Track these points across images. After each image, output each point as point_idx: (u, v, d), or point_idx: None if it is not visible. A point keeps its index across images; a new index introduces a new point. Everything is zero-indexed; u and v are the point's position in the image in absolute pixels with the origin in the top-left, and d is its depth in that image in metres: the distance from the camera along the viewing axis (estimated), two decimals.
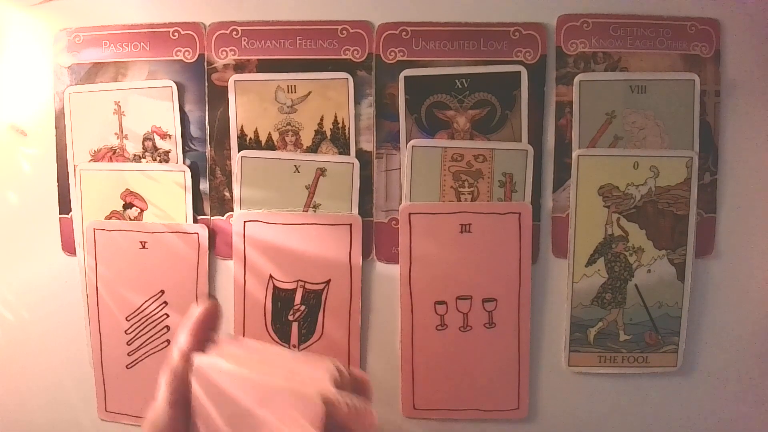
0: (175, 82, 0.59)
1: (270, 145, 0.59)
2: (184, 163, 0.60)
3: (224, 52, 0.59)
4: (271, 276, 0.59)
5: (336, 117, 0.59)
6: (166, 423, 0.38)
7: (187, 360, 0.39)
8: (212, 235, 0.60)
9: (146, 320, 0.61)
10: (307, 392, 0.37)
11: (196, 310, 0.41)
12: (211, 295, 0.60)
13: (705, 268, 0.59)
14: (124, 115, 0.60)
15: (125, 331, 0.61)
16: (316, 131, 0.59)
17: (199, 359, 0.39)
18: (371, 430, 0.38)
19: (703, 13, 0.57)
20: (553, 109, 0.58)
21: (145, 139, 0.60)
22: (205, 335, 0.41)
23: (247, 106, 0.59)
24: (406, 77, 0.58)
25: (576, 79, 0.57)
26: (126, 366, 0.61)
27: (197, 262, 0.60)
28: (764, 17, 0.57)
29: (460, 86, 0.58)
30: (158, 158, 0.60)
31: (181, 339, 0.40)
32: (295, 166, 0.59)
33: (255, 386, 0.38)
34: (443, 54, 0.58)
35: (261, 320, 0.60)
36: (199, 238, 0.60)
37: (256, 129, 0.59)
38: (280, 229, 0.59)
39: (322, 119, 0.59)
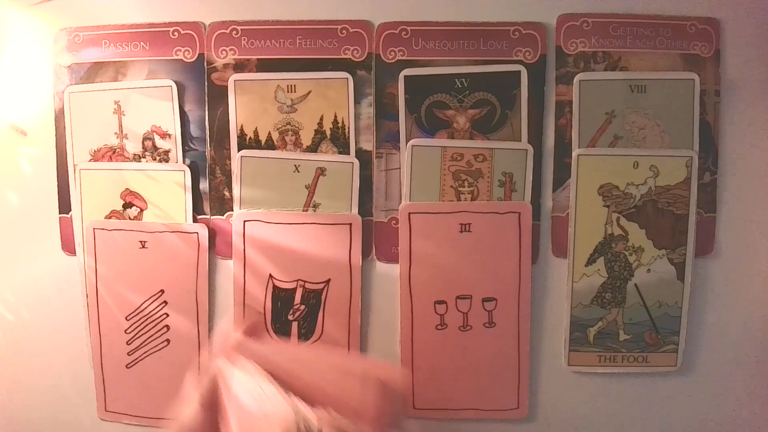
0: (175, 82, 0.59)
1: (270, 145, 0.59)
2: (183, 162, 0.60)
3: (224, 52, 0.59)
4: (270, 275, 0.59)
5: (336, 117, 0.59)
6: (199, 424, 0.42)
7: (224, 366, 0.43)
8: (212, 234, 0.60)
9: (146, 320, 0.60)
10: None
11: (245, 324, 0.46)
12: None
13: (705, 268, 0.59)
14: (123, 115, 0.60)
15: (125, 331, 0.61)
16: (315, 131, 0.59)
17: (224, 365, 0.43)
18: None
19: (703, 13, 0.57)
20: (553, 109, 0.58)
21: (145, 139, 0.60)
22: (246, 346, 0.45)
23: (247, 105, 0.59)
24: (405, 77, 0.58)
25: (576, 79, 0.57)
26: (126, 365, 0.61)
27: (197, 262, 0.60)
28: (764, 17, 0.57)
29: (459, 86, 0.58)
30: (158, 158, 0.60)
31: (225, 347, 0.44)
32: (295, 165, 0.59)
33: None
34: (443, 53, 0.58)
35: (261, 320, 0.60)
36: (198, 238, 0.60)
37: (256, 128, 0.59)
38: (280, 229, 0.59)
39: (321, 119, 0.59)
